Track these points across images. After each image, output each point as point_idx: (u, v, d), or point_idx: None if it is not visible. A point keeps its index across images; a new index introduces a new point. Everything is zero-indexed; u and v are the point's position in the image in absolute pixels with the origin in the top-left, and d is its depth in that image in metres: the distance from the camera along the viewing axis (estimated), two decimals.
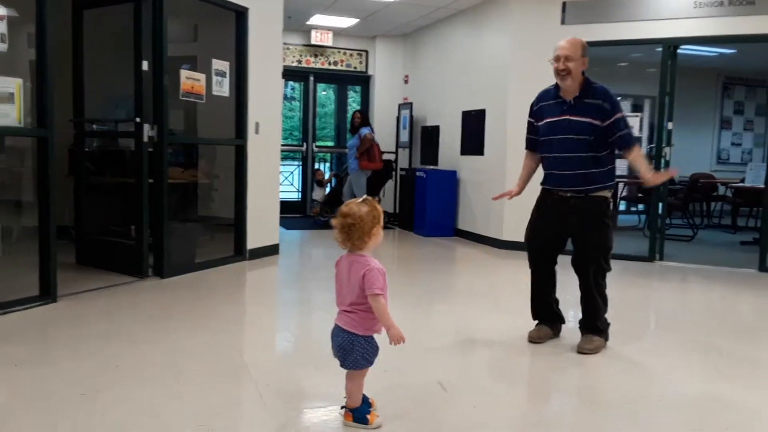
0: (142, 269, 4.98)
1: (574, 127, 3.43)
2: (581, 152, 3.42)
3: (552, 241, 3.63)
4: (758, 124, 11.36)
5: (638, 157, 3.46)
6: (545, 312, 3.76)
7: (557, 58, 3.42)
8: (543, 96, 3.65)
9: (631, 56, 9.01)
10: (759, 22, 5.99)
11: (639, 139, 3.58)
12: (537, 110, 3.65)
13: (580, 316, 3.65)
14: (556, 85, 3.52)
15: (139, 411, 2.56)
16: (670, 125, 6.46)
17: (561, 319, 3.80)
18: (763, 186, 6.42)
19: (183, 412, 2.55)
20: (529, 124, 3.71)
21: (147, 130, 4.88)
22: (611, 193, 3.56)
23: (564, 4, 6.73)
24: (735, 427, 2.61)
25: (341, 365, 2.44)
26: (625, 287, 5.23)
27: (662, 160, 6.47)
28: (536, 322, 3.77)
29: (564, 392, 3.12)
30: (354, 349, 2.38)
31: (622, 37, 6.56)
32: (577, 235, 3.53)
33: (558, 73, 3.43)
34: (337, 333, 2.42)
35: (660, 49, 6.48)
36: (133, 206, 5.04)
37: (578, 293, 3.60)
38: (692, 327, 4.26)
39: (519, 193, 3.71)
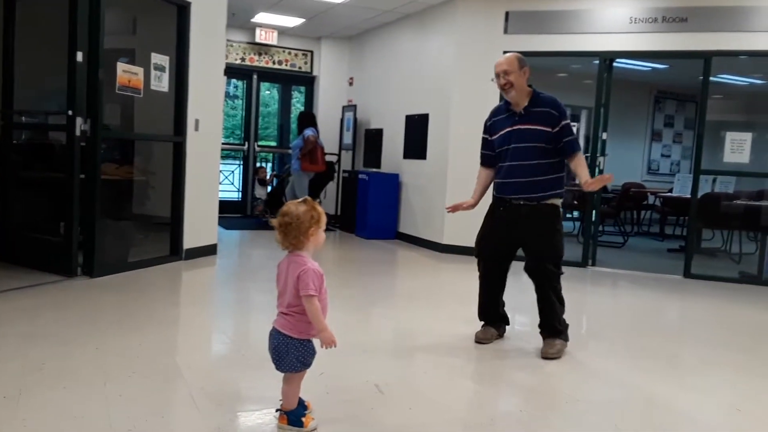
0: (71, 268, 4.79)
1: (526, 135, 3.55)
2: (533, 159, 3.53)
3: (503, 249, 3.71)
4: (686, 136, 11.89)
5: (580, 163, 3.57)
6: (492, 315, 3.85)
7: (497, 75, 3.58)
8: (495, 112, 3.79)
9: (570, 67, 9.29)
10: (690, 39, 6.28)
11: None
12: (490, 126, 3.76)
13: (521, 319, 3.72)
14: (507, 101, 3.65)
15: (63, 415, 2.46)
16: (604, 135, 6.69)
17: (506, 321, 3.90)
18: (689, 196, 6.72)
19: (110, 417, 2.46)
20: (484, 140, 3.82)
21: (80, 124, 4.70)
22: (561, 201, 3.66)
23: (507, 14, 6.88)
24: (661, 428, 2.71)
25: (276, 368, 2.40)
26: None
27: (596, 170, 6.68)
28: (482, 323, 3.85)
29: (502, 394, 3.17)
30: (289, 352, 2.35)
31: (562, 48, 6.75)
32: (529, 241, 3.61)
33: (502, 88, 3.57)
34: (274, 335, 2.39)
35: (597, 61, 6.71)
36: (63, 202, 4.85)
37: (526, 299, 3.67)
38: (623, 330, 4.42)
39: (474, 205, 3.78)
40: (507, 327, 3.92)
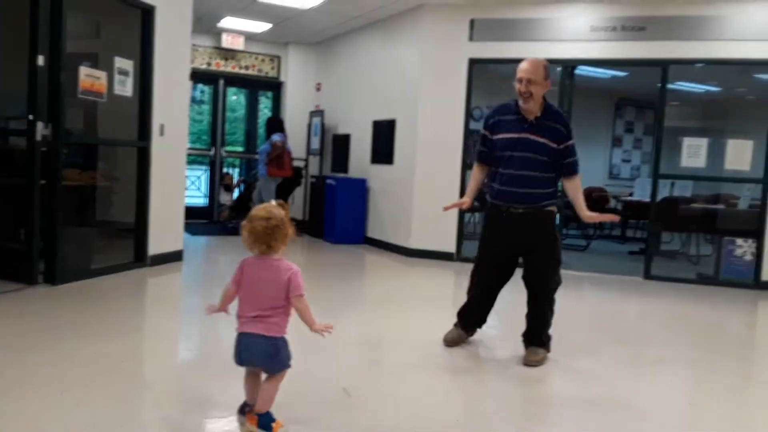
0: (32, 275, 4.68)
1: (534, 146, 3.48)
2: (537, 171, 3.49)
3: (504, 260, 3.65)
4: (646, 142, 12.17)
5: (579, 188, 3.58)
6: (472, 321, 3.82)
7: (519, 80, 3.46)
8: (502, 110, 3.65)
9: None
10: (648, 47, 6.46)
11: None
12: (494, 123, 3.63)
13: (489, 321, 3.76)
14: (516, 102, 3.55)
15: (23, 426, 2.42)
16: None
17: (480, 325, 3.87)
18: (649, 200, 6.89)
19: (72, 427, 2.42)
20: (483, 137, 3.70)
21: (40, 129, 4.62)
22: (556, 208, 3.66)
23: (472, 21, 6.97)
24: (625, 427, 2.78)
25: (269, 371, 2.43)
26: (523, 295, 5.44)
27: None
28: (455, 324, 3.83)
29: (469, 395, 3.21)
30: (280, 352, 2.40)
31: (525, 55, 6.74)
32: (531, 250, 3.59)
33: (521, 95, 3.46)
34: (257, 341, 2.37)
35: (559, 69, 6.84)
36: (23, 208, 4.75)
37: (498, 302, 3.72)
38: (587, 332, 4.51)
39: (471, 204, 3.73)
40: (477, 330, 3.91)
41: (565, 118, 3.60)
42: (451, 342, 3.78)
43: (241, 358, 2.43)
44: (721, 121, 9.75)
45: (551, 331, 3.68)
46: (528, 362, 3.54)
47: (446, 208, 3.79)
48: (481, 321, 3.87)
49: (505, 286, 3.74)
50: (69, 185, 5.06)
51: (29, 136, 4.64)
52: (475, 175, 3.79)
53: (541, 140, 3.48)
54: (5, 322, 3.82)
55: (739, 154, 6.39)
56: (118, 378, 2.98)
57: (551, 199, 3.58)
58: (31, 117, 4.61)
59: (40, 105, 4.62)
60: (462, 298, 3.89)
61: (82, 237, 5.47)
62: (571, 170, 3.56)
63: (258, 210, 2.39)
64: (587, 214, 3.55)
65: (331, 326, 2.42)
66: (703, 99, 10.61)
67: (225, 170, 10.14)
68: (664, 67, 6.46)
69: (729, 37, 6.21)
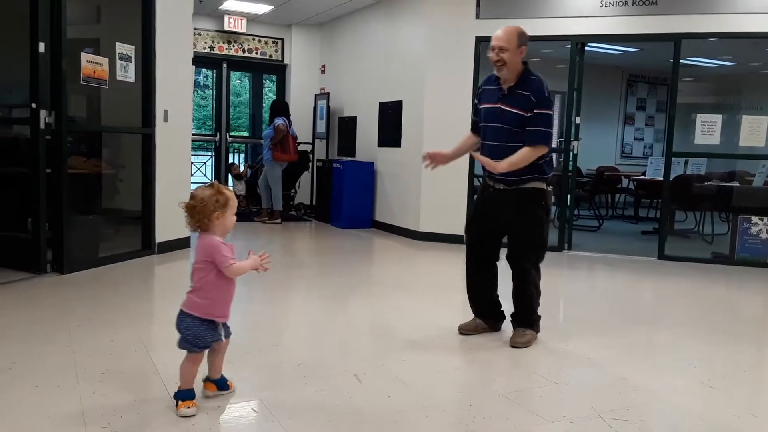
0: (40, 265, 4.68)
1: (504, 116, 3.39)
2: (510, 142, 3.36)
3: (486, 235, 3.58)
4: (659, 120, 12.01)
5: (523, 153, 3.30)
6: (482, 308, 3.70)
7: (492, 48, 3.37)
8: (487, 80, 3.60)
9: (542, 52, 9.29)
10: (661, 22, 6.32)
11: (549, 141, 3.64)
12: (481, 93, 3.61)
13: (512, 309, 3.64)
14: None
15: (35, 415, 2.39)
16: (578, 120, 6.71)
17: (500, 317, 3.73)
18: (662, 179, 6.78)
19: (84, 415, 2.40)
20: (474, 105, 3.70)
21: (44, 117, 4.58)
22: (547, 184, 3.52)
23: None
24: (636, 407, 2.73)
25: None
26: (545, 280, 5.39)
27: (570, 154, 6.71)
28: (473, 315, 3.71)
29: (479, 380, 3.16)
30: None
31: (534, 33, 6.55)
32: (511, 227, 3.51)
33: (494, 64, 3.38)
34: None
35: (569, 46, 6.71)
36: (29, 197, 4.72)
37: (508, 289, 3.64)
38: (599, 313, 4.45)
39: (448, 158, 3.62)
40: (501, 324, 3.74)
41: (540, 87, 3.35)
42: (464, 330, 3.64)
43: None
44: (735, 96, 9.58)
45: (540, 311, 3.63)
46: (515, 343, 3.48)
47: (426, 155, 3.60)
48: (490, 308, 3.71)
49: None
50: (74, 173, 5.03)
51: (33, 125, 4.61)
52: (463, 139, 3.73)
53: (513, 110, 3.37)
54: (15, 312, 3.81)
55: (754, 131, 6.26)
56: (129, 366, 2.96)
57: (532, 174, 3.40)
58: (34, 105, 4.57)
59: (42, 93, 4.59)
60: None
61: (89, 225, 5.45)
62: (532, 139, 3.31)
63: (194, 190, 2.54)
64: (497, 163, 3.30)
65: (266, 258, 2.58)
66: (717, 74, 10.43)
67: (230, 159, 10.07)
68: (676, 41, 6.32)
69: (743, 9, 6.06)
